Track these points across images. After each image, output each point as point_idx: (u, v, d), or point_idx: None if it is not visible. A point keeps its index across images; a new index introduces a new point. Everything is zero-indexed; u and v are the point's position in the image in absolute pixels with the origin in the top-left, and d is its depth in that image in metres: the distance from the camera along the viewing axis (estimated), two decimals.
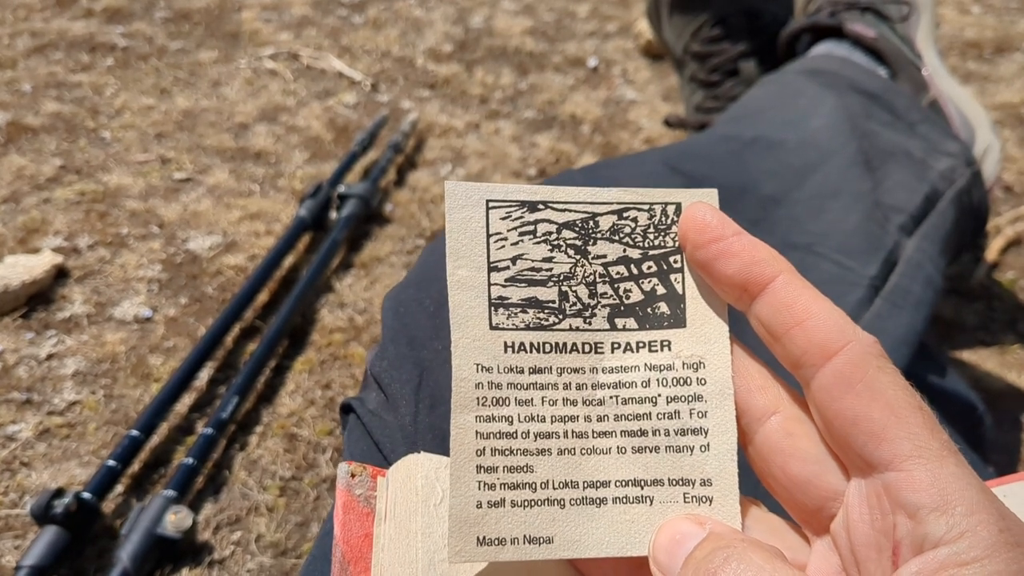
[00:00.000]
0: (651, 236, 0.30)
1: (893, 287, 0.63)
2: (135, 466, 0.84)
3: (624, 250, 0.30)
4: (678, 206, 0.30)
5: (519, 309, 0.30)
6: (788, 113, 0.79)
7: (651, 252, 0.30)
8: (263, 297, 1.05)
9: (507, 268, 0.30)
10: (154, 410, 0.85)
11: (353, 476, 0.32)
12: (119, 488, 0.82)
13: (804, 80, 0.84)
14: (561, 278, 0.30)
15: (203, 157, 1.29)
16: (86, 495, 0.76)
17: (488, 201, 0.30)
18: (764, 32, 1.15)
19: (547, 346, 0.30)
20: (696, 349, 0.30)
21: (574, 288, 0.30)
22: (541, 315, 0.30)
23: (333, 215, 1.16)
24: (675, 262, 0.30)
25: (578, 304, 0.30)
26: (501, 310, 0.30)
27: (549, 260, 0.30)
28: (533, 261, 0.30)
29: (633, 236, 0.30)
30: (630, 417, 0.29)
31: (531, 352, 0.29)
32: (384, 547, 0.30)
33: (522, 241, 0.30)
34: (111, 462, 0.79)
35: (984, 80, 1.49)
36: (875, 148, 0.74)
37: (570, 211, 0.30)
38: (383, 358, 0.48)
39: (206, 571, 0.76)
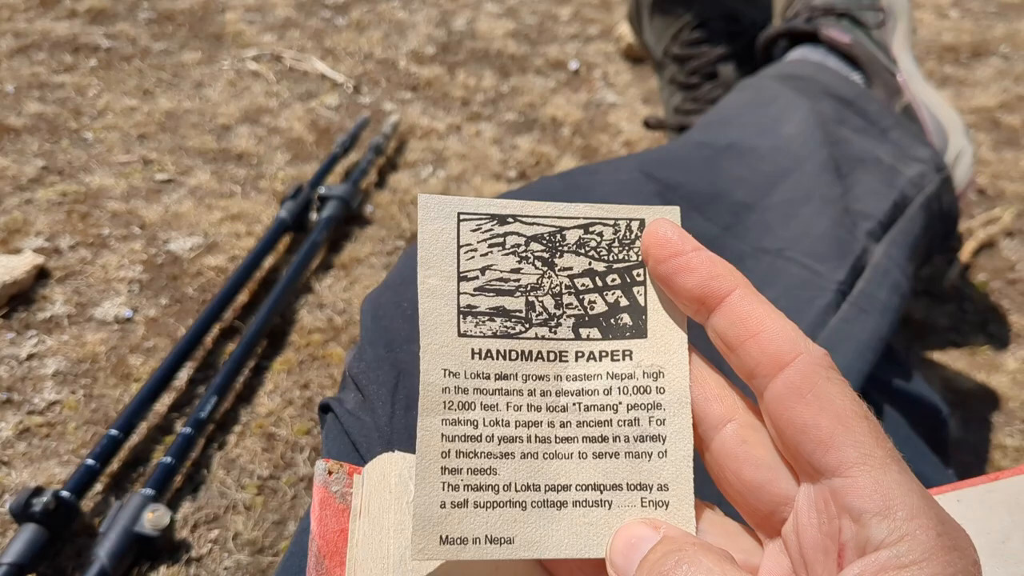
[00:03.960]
0: (615, 250, 0.31)
1: (860, 292, 0.64)
2: (114, 465, 0.85)
3: (590, 263, 0.31)
4: (642, 222, 0.32)
5: (487, 317, 0.31)
6: (761, 119, 0.80)
7: (615, 265, 0.31)
8: (243, 298, 1.06)
9: (476, 278, 0.31)
10: (133, 409, 0.85)
11: (330, 473, 0.33)
12: (98, 487, 0.83)
13: (778, 85, 0.86)
14: (528, 289, 0.31)
15: (185, 158, 1.29)
16: (65, 493, 0.76)
17: (460, 214, 0.31)
18: (743, 36, 1.16)
19: (513, 353, 0.31)
20: (656, 359, 0.31)
21: (541, 298, 0.31)
22: (508, 324, 0.31)
23: (313, 216, 1.17)
24: (638, 275, 0.31)
25: (544, 314, 0.31)
26: (469, 318, 0.30)
27: (517, 271, 0.31)
28: (501, 272, 0.31)
29: (598, 250, 0.31)
30: (592, 423, 0.30)
31: (497, 359, 0.30)
32: (358, 543, 0.31)
33: (491, 253, 0.31)
34: (90, 461, 0.80)
35: (960, 84, 1.51)
36: (845, 154, 0.75)
37: (538, 225, 0.31)
38: (361, 359, 0.49)
39: (183, 569, 0.77)
